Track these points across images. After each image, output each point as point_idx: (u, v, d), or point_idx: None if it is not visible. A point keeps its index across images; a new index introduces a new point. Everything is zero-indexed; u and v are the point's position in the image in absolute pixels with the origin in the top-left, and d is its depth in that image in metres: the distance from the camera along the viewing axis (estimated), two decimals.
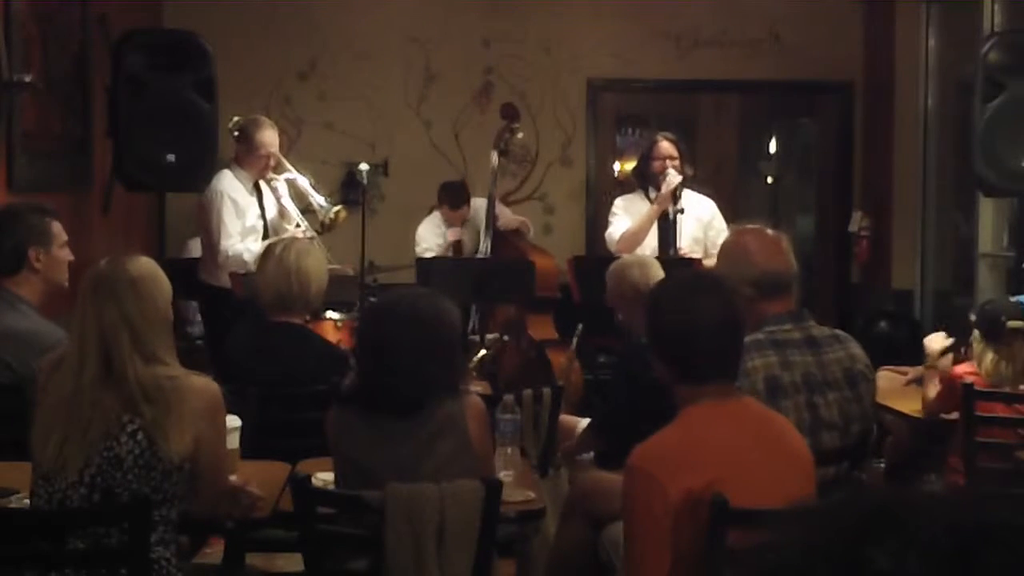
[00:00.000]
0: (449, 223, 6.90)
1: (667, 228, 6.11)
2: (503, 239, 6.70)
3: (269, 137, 5.94)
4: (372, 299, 5.92)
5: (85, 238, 5.94)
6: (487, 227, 6.68)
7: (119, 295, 2.86)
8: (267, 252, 4.28)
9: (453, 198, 6.92)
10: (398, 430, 3.07)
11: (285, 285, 4.11)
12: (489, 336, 6.26)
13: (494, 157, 6.82)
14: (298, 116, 7.99)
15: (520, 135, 7.14)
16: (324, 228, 6.02)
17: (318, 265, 4.23)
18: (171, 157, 5.41)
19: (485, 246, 6.68)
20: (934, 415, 4.43)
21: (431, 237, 6.84)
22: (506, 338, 6.40)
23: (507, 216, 6.96)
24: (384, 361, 3.08)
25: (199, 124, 5.47)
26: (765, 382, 3.16)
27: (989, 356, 4.26)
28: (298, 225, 5.93)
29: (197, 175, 5.58)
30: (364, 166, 6.15)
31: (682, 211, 6.11)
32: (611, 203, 6.48)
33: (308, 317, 4.54)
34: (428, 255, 6.69)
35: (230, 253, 5.79)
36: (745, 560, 0.88)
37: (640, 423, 4.18)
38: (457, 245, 6.83)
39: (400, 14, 8.10)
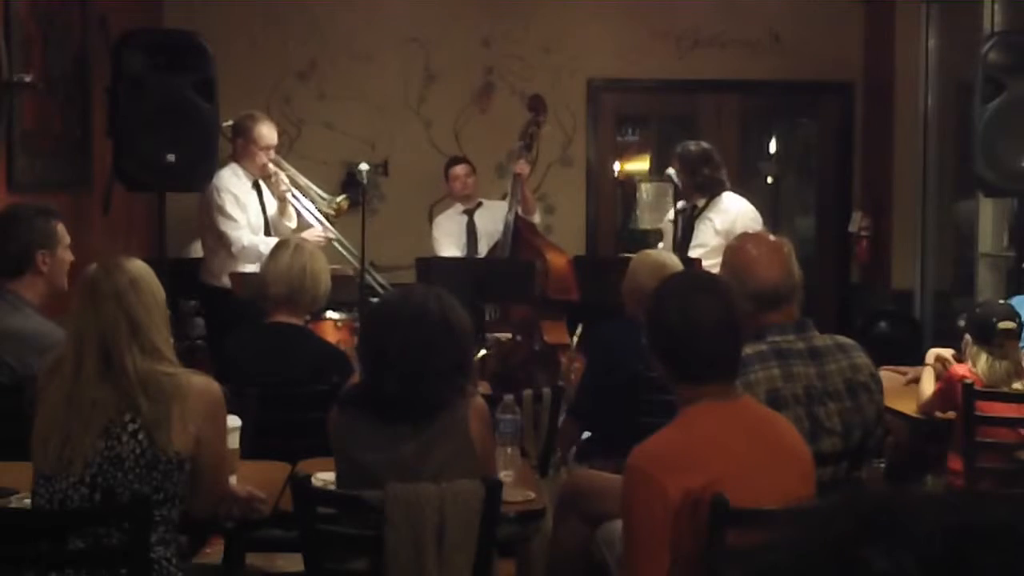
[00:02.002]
0: (455, 195, 6.87)
1: (684, 230, 6.12)
2: (522, 238, 6.68)
3: (268, 131, 5.96)
4: (373, 299, 5.93)
5: (85, 238, 5.94)
6: (506, 228, 6.65)
7: (119, 292, 2.86)
8: (279, 249, 4.29)
9: (445, 173, 6.94)
10: (400, 431, 3.06)
11: (299, 283, 4.14)
12: (493, 335, 6.24)
13: (519, 148, 6.79)
14: (298, 116, 7.99)
15: (546, 128, 7.08)
16: (329, 219, 6.07)
17: (325, 267, 4.29)
18: (171, 157, 5.41)
19: (507, 230, 6.64)
20: (929, 413, 4.43)
21: (446, 225, 6.85)
22: (518, 338, 6.38)
23: (526, 199, 6.89)
24: (390, 366, 3.05)
25: (199, 124, 5.48)
26: (766, 395, 3.15)
27: (983, 358, 4.27)
28: (321, 203, 6.00)
29: (197, 175, 5.58)
30: (364, 166, 6.14)
31: (683, 211, 6.10)
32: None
33: (308, 318, 4.55)
34: (444, 242, 6.70)
35: (245, 243, 5.80)
36: (742, 561, 0.88)
37: (605, 402, 4.28)
38: (471, 224, 6.81)
39: (400, 14, 8.10)
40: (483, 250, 6.75)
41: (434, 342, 3.04)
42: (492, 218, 6.79)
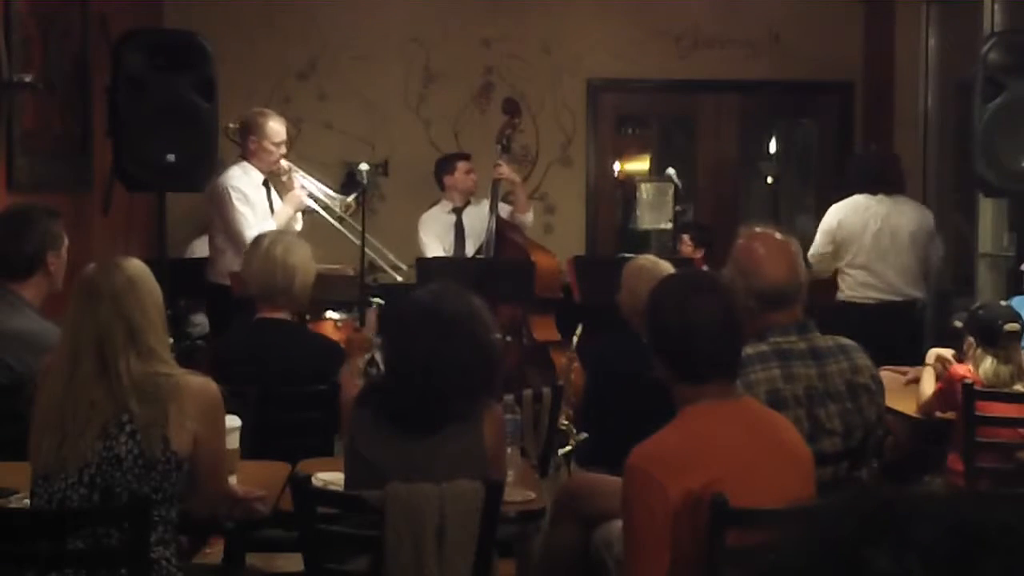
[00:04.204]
0: (456, 190, 6.87)
1: None
2: (506, 238, 6.69)
3: (279, 126, 5.96)
4: (376, 299, 5.93)
5: (85, 238, 5.95)
6: (489, 232, 6.66)
7: (116, 293, 2.85)
8: (253, 246, 4.27)
9: (445, 165, 6.93)
10: (413, 432, 3.06)
11: (270, 276, 4.09)
12: None
13: (497, 151, 6.82)
14: (298, 116, 7.98)
15: (521, 131, 7.10)
16: (339, 218, 6.09)
17: (303, 257, 4.20)
18: (171, 157, 5.41)
19: (489, 233, 6.64)
20: (929, 413, 4.42)
21: (431, 225, 6.84)
22: (508, 338, 6.38)
23: (519, 199, 6.88)
24: (412, 378, 3.03)
25: (199, 124, 5.47)
26: (767, 395, 3.15)
27: (988, 361, 4.25)
28: (332, 202, 6.01)
29: (197, 175, 5.58)
30: (364, 166, 6.15)
31: None
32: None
33: (308, 316, 4.53)
34: (430, 242, 6.70)
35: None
36: (745, 560, 0.88)
37: (605, 415, 4.27)
38: (459, 223, 6.81)
39: (400, 14, 8.10)
40: (470, 249, 6.75)
41: (461, 360, 3.01)
42: (479, 216, 6.79)
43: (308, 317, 5.13)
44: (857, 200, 6.29)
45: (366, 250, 6.06)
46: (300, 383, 3.99)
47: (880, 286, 6.20)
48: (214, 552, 3.97)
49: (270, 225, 5.73)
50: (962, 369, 4.33)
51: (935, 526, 0.81)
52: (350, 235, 6.12)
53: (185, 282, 5.99)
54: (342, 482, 3.19)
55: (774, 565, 0.85)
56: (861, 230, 6.20)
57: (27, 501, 2.99)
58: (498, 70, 8.20)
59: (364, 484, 3.02)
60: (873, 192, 6.24)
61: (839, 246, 6.25)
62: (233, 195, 5.78)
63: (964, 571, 0.78)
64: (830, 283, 6.33)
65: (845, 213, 6.29)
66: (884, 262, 6.19)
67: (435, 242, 6.73)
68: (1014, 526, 0.80)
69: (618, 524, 2.93)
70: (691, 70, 8.28)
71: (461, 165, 6.90)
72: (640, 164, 8.79)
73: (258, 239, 4.31)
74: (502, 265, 6.48)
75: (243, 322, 4.28)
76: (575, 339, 5.64)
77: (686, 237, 7.42)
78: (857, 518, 0.83)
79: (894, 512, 0.83)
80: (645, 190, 7.53)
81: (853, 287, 6.25)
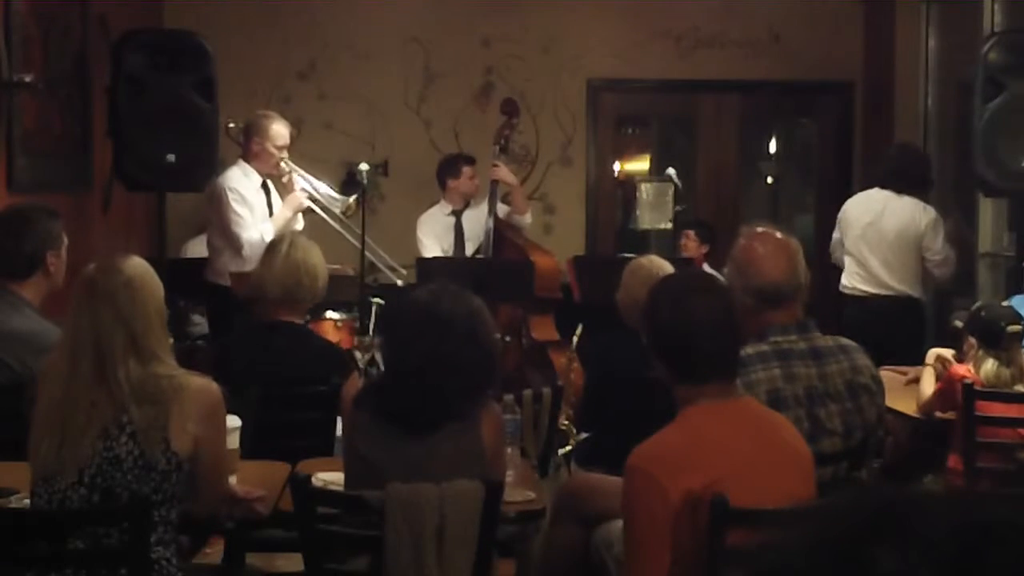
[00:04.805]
0: (458, 193, 6.86)
1: None
2: (504, 239, 6.69)
3: (284, 129, 5.97)
4: (376, 299, 5.92)
5: (85, 238, 5.94)
6: (487, 232, 6.66)
7: (114, 296, 2.85)
8: (272, 249, 4.26)
9: (449, 167, 6.91)
10: (412, 431, 3.06)
11: (295, 280, 4.09)
12: None
13: (495, 152, 6.83)
14: (298, 116, 7.97)
15: (520, 131, 7.10)
16: (339, 219, 6.09)
17: (320, 259, 4.22)
18: (171, 157, 5.41)
19: (488, 234, 6.64)
20: (929, 413, 4.42)
21: (431, 226, 6.83)
22: (508, 339, 6.38)
23: (517, 199, 6.89)
24: (410, 376, 3.04)
25: (199, 124, 5.47)
26: (767, 395, 3.15)
27: (989, 362, 4.24)
28: (333, 203, 6.02)
29: (197, 175, 5.58)
30: (364, 166, 6.14)
31: None
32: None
33: (308, 317, 4.53)
34: (428, 243, 6.70)
35: (255, 240, 5.78)
36: (747, 560, 0.88)
37: (605, 415, 4.28)
38: (458, 225, 6.81)
39: (400, 14, 8.10)
40: (470, 251, 6.74)
41: (460, 360, 3.01)
42: (479, 217, 6.79)
43: (308, 317, 5.13)
44: (868, 192, 6.31)
45: (365, 252, 6.06)
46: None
47: (866, 277, 6.19)
48: (214, 552, 3.96)
49: (268, 227, 5.73)
50: (962, 369, 4.32)
51: (941, 524, 0.81)
52: (350, 237, 6.12)
53: (184, 282, 5.99)
54: (342, 482, 3.19)
55: (777, 564, 0.85)
56: (856, 220, 6.22)
57: (27, 501, 2.99)
58: (498, 70, 8.19)
59: (363, 484, 3.02)
60: (895, 189, 6.23)
61: (842, 234, 6.29)
62: (230, 195, 5.78)
63: (971, 569, 0.78)
64: None
65: (852, 203, 6.34)
66: (871, 254, 6.18)
67: (434, 243, 6.72)
68: (1019, 525, 0.80)
69: (618, 524, 2.94)
70: (691, 70, 8.28)
71: (466, 170, 6.89)
72: (640, 164, 8.79)
73: (273, 244, 4.31)
74: (501, 265, 6.48)
75: (253, 324, 4.27)
76: (575, 339, 5.65)
77: (692, 233, 7.43)
78: (862, 516, 0.83)
79: (899, 511, 0.83)
80: (645, 190, 7.52)
81: (846, 276, 6.28)
